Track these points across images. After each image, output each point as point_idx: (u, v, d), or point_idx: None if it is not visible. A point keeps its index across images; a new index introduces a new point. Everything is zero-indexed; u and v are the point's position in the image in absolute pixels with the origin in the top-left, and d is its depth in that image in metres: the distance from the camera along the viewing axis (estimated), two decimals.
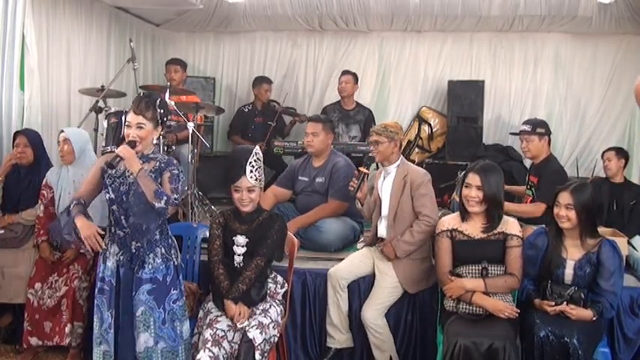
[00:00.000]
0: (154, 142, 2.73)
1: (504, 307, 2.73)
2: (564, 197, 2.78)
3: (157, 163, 2.67)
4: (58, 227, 2.67)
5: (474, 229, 2.88)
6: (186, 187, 4.21)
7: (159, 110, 2.67)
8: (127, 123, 2.68)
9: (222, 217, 3.02)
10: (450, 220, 2.96)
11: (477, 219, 2.89)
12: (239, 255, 2.91)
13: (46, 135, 4.10)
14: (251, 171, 2.89)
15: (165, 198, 2.56)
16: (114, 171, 2.66)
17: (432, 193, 3.20)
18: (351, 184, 3.28)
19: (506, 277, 2.79)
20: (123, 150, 2.58)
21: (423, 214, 3.12)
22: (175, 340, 2.69)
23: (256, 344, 2.69)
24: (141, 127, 2.63)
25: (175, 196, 2.61)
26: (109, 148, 3.73)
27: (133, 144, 2.61)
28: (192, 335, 2.84)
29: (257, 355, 2.68)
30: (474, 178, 2.85)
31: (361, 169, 3.26)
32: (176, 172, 2.67)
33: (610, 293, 2.71)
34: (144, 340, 2.62)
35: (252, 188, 2.89)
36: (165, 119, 2.72)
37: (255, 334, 2.71)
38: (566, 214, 2.76)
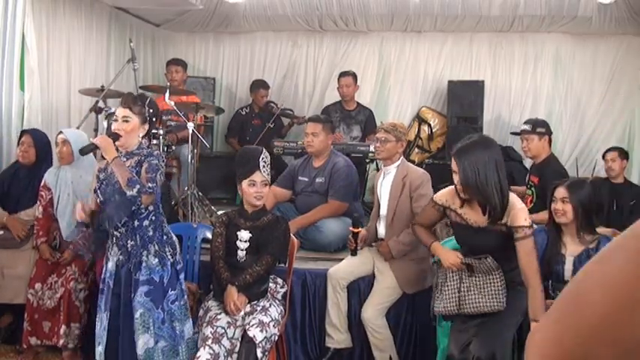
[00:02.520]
0: (140, 137, 2.70)
1: (453, 259, 2.61)
2: (560, 192, 2.81)
3: (139, 158, 2.66)
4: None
5: (471, 215, 2.65)
6: (185, 187, 4.22)
7: (147, 108, 2.67)
8: (114, 117, 2.69)
9: (227, 216, 3.04)
10: (448, 196, 2.70)
11: (475, 206, 2.61)
12: (242, 250, 2.93)
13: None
14: (263, 166, 2.94)
15: (138, 186, 2.53)
16: (102, 174, 2.66)
17: (431, 194, 3.19)
18: (349, 245, 3.24)
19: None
20: (100, 139, 2.59)
21: None
22: (175, 339, 2.70)
23: (257, 342, 2.69)
24: (126, 121, 2.63)
25: (150, 185, 2.57)
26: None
27: (115, 136, 2.60)
28: (194, 334, 2.85)
29: (259, 353, 2.68)
30: (453, 163, 2.57)
31: (352, 229, 3.20)
32: (155, 162, 2.64)
33: None
34: (144, 341, 2.62)
35: (265, 182, 2.95)
36: (154, 119, 2.72)
37: (255, 333, 2.71)
38: (562, 207, 2.78)
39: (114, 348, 2.68)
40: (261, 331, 2.73)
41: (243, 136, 5.70)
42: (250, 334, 2.70)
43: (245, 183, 2.93)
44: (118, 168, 2.55)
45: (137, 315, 2.62)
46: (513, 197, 2.54)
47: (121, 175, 2.54)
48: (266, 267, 2.88)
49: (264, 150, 3.02)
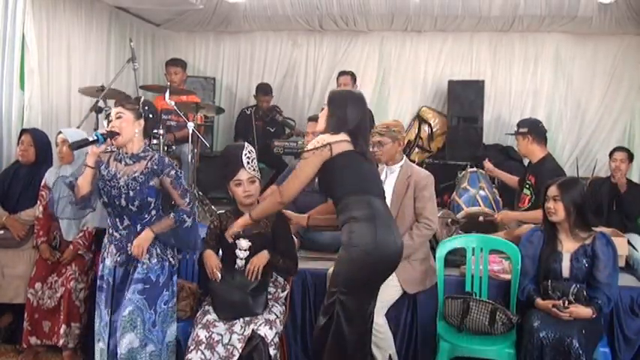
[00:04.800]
0: (137, 134, 2.69)
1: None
2: (552, 190, 2.86)
3: (149, 164, 2.66)
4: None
5: None
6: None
7: (142, 105, 2.69)
8: (110, 118, 2.70)
9: (219, 221, 2.97)
10: None
11: None
12: (241, 259, 2.88)
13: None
14: (248, 162, 2.86)
15: (184, 216, 2.65)
16: (106, 172, 2.66)
17: (434, 196, 3.19)
18: None
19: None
20: (137, 243, 2.63)
21: (423, 215, 3.11)
22: (163, 342, 2.68)
23: (268, 340, 2.66)
24: (120, 117, 2.64)
25: (187, 200, 2.68)
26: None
27: (113, 134, 2.61)
28: (185, 336, 2.80)
29: (271, 351, 2.66)
30: None
31: None
32: (173, 172, 2.67)
33: (606, 285, 2.74)
34: (129, 340, 2.57)
35: (252, 179, 2.87)
36: (150, 115, 2.72)
37: (265, 331, 2.68)
38: (553, 206, 2.82)
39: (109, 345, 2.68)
40: (270, 328, 2.71)
41: (246, 138, 5.70)
42: (261, 333, 2.66)
43: (232, 184, 2.87)
44: (160, 230, 2.65)
45: (125, 312, 2.58)
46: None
47: (167, 228, 2.66)
48: (286, 267, 2.92)
49: (246, 145, 2.92)
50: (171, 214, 2.67)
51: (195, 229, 2.77)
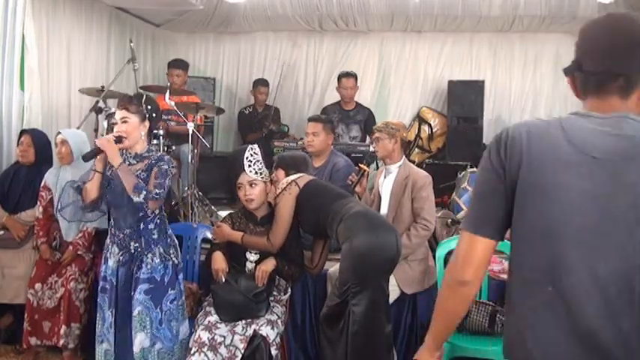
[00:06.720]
0: (143, 137, 2.69)
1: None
2: None
3: (149, 161, 2.67)
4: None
5: None
6: (185, 187, 4.22)
7: (145, 105, 2.67)
8: (114, 120, 2.69)
9: (230, 221, 2.97)
10: None
11: None
12: (251, 262, 2.88)
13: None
14: (249, 165, 2.85)
15: (144, 192, 2.53)
16: (109, 173, 2.66)
17: (432, 197, 3.20)
18: (350, 178, 3.31)
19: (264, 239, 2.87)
20: (102, 141, 2.56)
21: (421, 216, 3.12)
22: (172, 340, 2.68)
23: (270, 340, 2.67)
24: (125, 121, 2.63)
25: (157, 190, 2.58)
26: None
27: (119, 139, 2.61)
28: (190, 334, 2.83)
29: (273, 351, 2.66)
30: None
31: (361, 165, 3.28)
32: (165, 167, 2.64)
33: None
34: (140, 340, 2.60)
35: (253, 182, 2.86)
36: (154, 115, 2.72)
37: (267, 332, 2.68)
38: None
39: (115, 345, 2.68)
40: (272, 328, 2.71)
41: (245, 135, 5.70)
42: (263, 332, 2.67)
43: (236, 187, 2.88)
44: (124, 174, 2.55)
45: (135, 312, 2.61)
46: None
47: (127, 182, 2.54)
48: (291, 274, 2.92)
49: (249, 148, 2.92)
50: (140, 182, 2.57)
51: (133, 211, 2.64)
